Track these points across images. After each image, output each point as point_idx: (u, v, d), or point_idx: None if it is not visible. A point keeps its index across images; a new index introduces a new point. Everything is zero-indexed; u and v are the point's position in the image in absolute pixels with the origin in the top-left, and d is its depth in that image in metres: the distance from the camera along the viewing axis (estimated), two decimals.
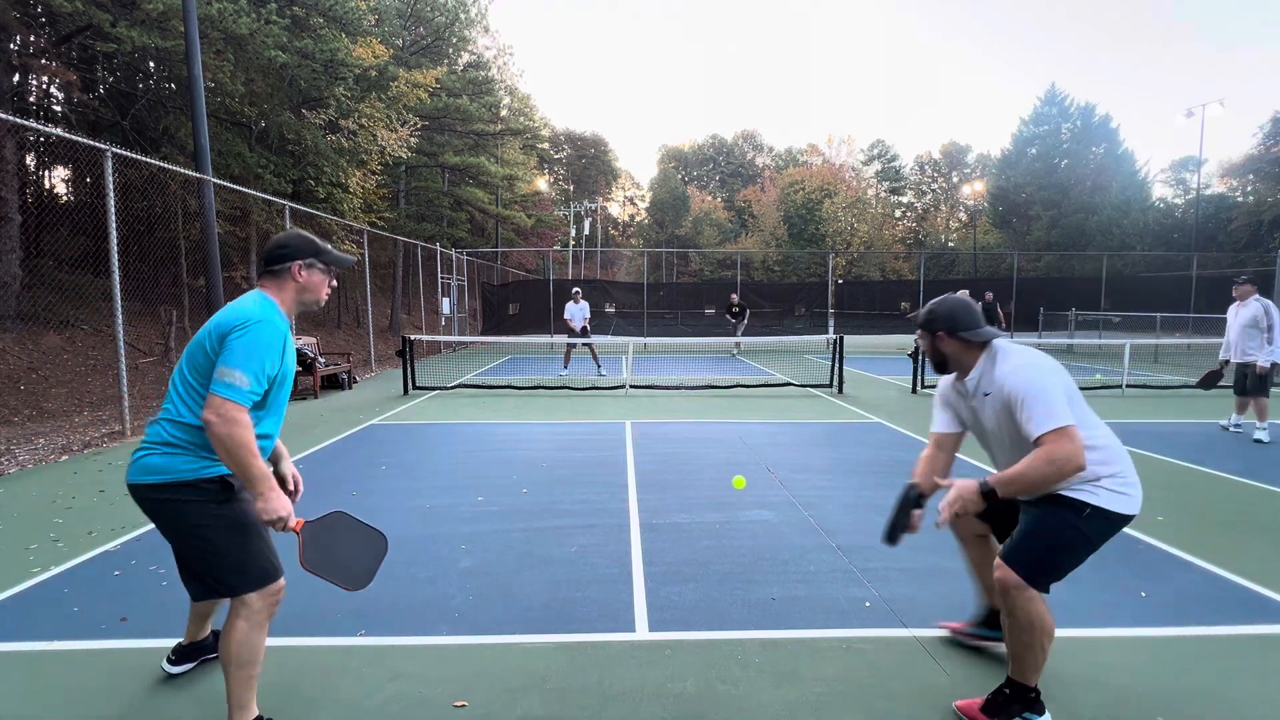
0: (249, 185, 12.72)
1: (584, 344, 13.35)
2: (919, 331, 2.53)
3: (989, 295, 17.15)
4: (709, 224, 57.90)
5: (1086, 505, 2.21)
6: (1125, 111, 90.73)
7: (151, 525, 4.29)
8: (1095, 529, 2.24)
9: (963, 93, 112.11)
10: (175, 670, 2.60)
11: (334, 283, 2.36)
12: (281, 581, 2.25)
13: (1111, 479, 2.23)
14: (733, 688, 2.53)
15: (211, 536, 2.10)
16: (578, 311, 13.36)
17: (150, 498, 2.08)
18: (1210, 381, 7.65)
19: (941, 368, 2.52)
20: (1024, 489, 2.20)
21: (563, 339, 14.32)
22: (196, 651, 2.64)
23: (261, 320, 2.05)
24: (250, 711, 2.18)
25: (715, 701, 2.45)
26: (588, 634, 2.93)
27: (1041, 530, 2.26)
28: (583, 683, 2.56)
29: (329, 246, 2.33)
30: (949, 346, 2.43)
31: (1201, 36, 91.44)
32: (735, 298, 17.77)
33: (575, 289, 13.86)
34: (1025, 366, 2.25)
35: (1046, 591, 2.25)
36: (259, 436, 2.07)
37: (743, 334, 17.28)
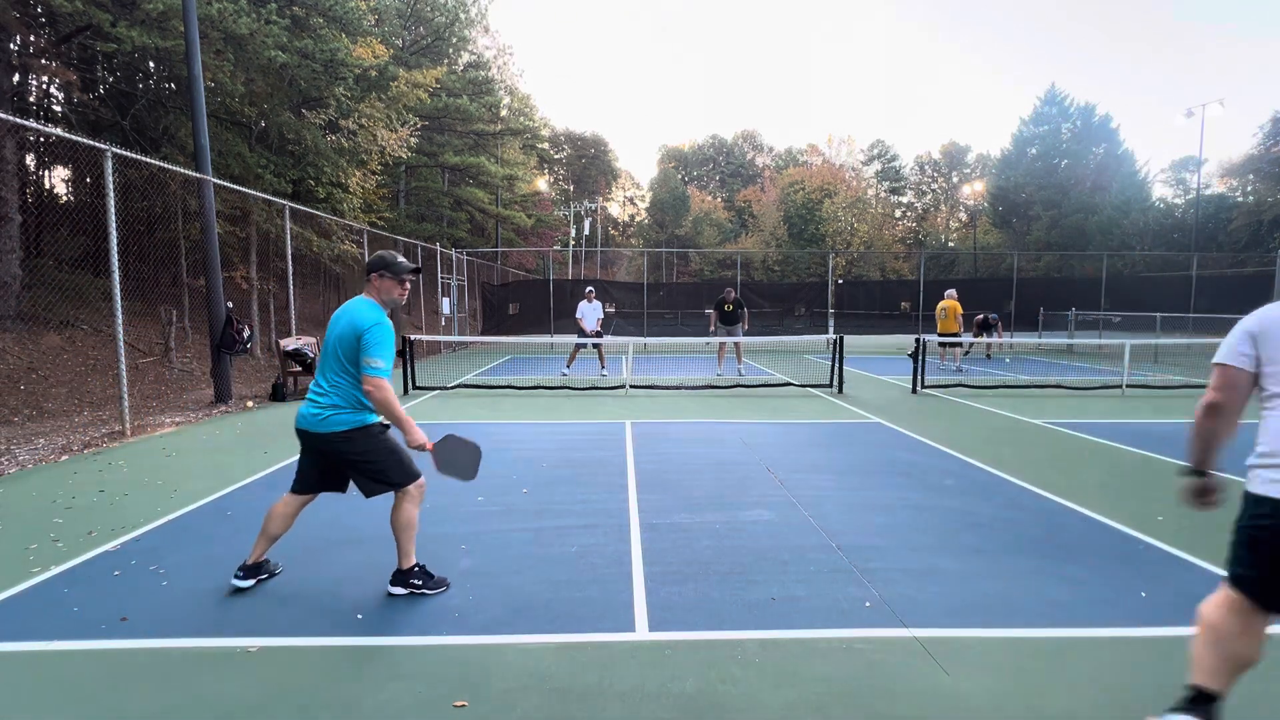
0: (249, 185, 12.72)
1: (593, 344, 13.17)
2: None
3: (987, 318, 16.74)
4: (709, 224, 57.90)
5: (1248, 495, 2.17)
6: (1125, 111, 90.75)
7: (151, 525, 4.32)
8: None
9: (963, 93, 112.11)
10: (244, 584, 3.34)
11: (408, 286, 3.30)
12: (423, 479, 3.34)
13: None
14: (733, 688, 2.53)
15: (380, 457, 3.23)
16: (590, 311, 13.14)
17: (337, 442, 3.18)
18: None
19: None
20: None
21: (564, 339, 14.22)
22: (259, 570, 3.41)
23: (378, 321, 3.12)
24: (411, 558, 3.31)
25: (715, 701, 2.45)
26: (588, 634, 2.93)
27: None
28: (583, 683, 2.56)
29: (399, 260, 3.26)
30: None
31: (1201, 36, 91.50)
32: (732, 294, 13.68)
33: (589, 288, 13.62)
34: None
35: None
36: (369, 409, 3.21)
37: (742, 335, 13.44)
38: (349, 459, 3.23)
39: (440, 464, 3.32)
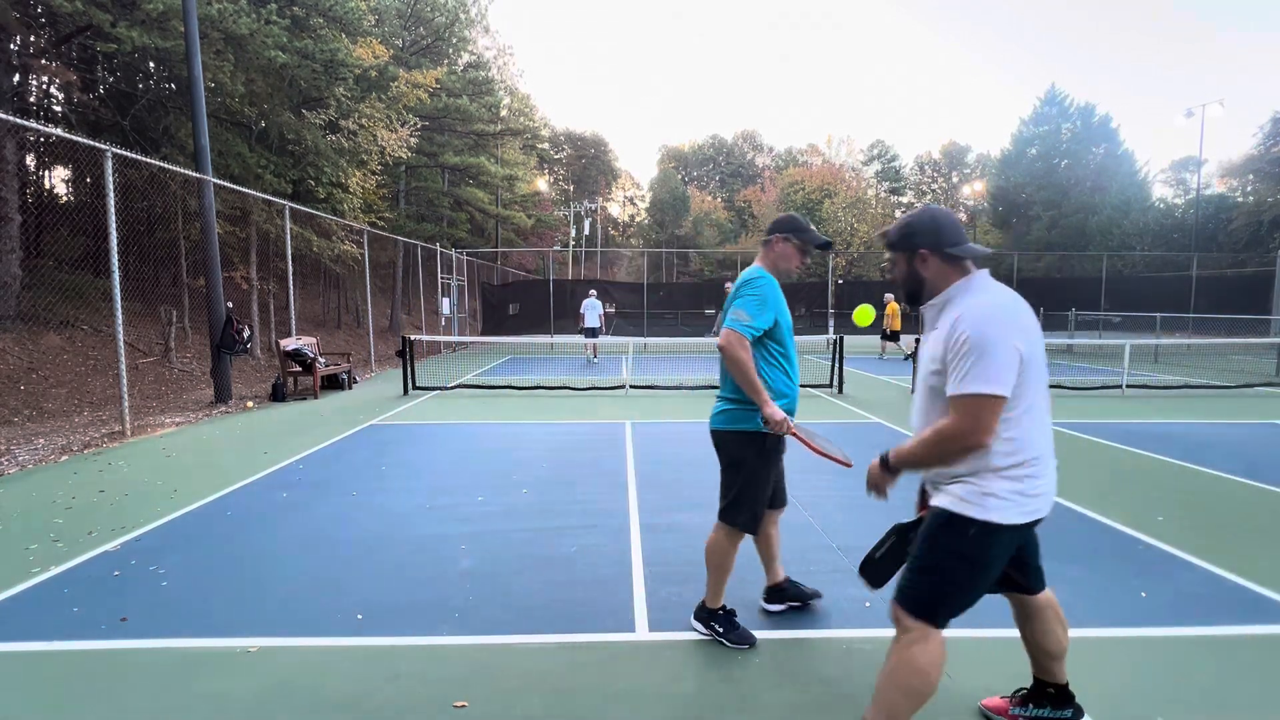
0: (249, 185, 12.72)
1: (589, 340, 15.11)
2: (891, 255, 2.08)
3: None
4: (709, 224, 57.87)
5: (972, 523, 1.88)
6: (1125, 111, 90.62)
7: (151, 525, 4.32)
8: (985, 547, 1.90)
9: (963, 93, 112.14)
10: (774, 608, 3.12)
11: (806, 260, 2.95)
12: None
13: (1010, 479, 1.88)
14: (733, 688, 2.53)
15: (739, 476, 2.84)
16: (591, 308, 15.18)
17: (715, 442, 2.89)
18: None
19: (916, 299, 2.05)
20: (917, 464, 1.93)
21: (564, 339, 16.19)
22: (780, 593, 3.13)
23: (759, 277, 2.75)
24: (719, 598, 2.91)
25: (715, 701, 2.45)
26: (588, 634, 2.93)
27: (922, 558, 1.97)
28: (583, 683, 2.56)
29: (810, 228, 2.88)
30: (931, 268, 1.98)
31: (1202, 36, 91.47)
32: (730, 289, 15.76)
33: (591, 289, 16.24)
34: (992, 307, 1.84)
35: (941, 626, 1.94)
36: (777, 395, 2.79)
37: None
38: (721, 461, 2.88)
39: (816, 443, 2.77)
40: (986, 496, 1.89)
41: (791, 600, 3.14)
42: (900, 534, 2.17)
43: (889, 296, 16.73)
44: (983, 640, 2.88)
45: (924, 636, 1.92)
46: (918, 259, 1.99)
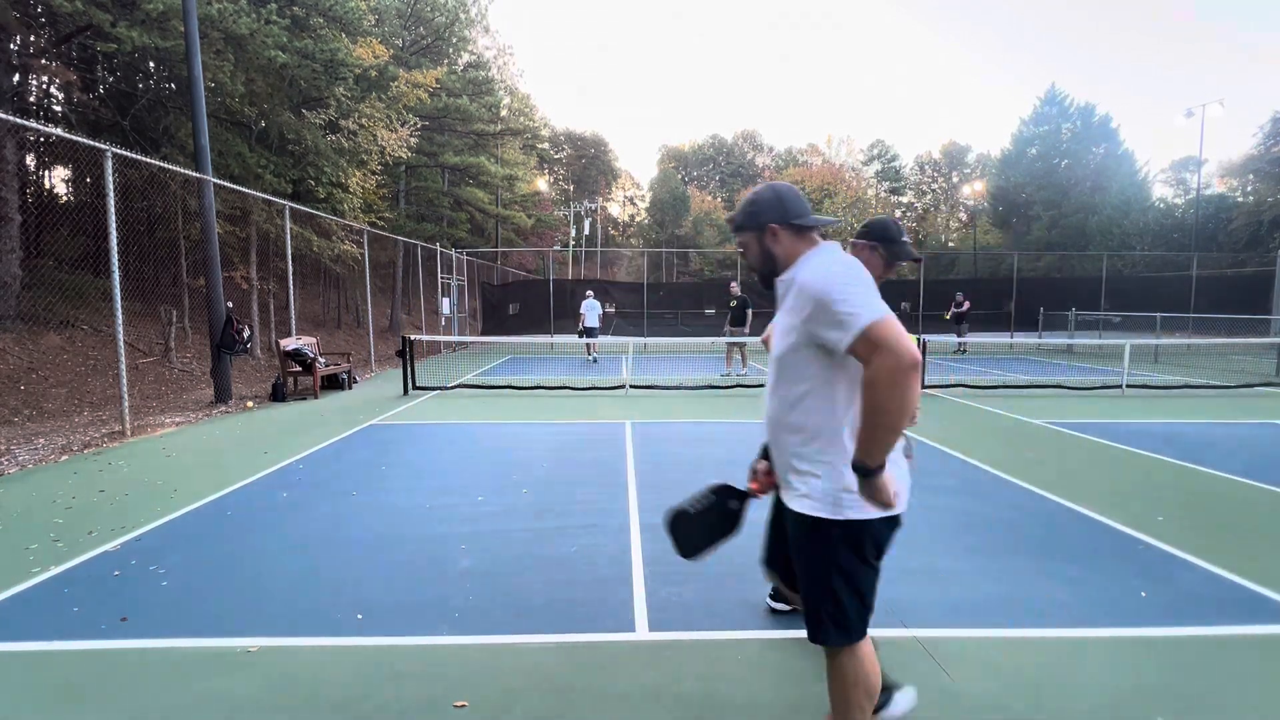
0: (249, 185, 12.72)
1: (587, 340, 15.66)
2: (740, 238, 1.96)
3: (959, 296, 18.52)
4: (709, 224, 57.86)
5: (834, 524, 1.77)
6: (1125, 111, 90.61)
7: (151, 525, 4.31)
8: (860, 543, 1.80)
9: (963, 93, 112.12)
10: (779, 608, 2.96)
11: (891, 274, 2.59)
12: None
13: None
14: (733, 688, 2.53)
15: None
16: (591, 308, 15.70)
17: None
18: None
19: (770, 277, 1.95)
20: (882, 442, 1.64)
21: (564, 338, 16.74)
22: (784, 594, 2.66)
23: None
24: None
25: (715, 701, 2.45)
26: (588, 634, 2.93)
27: (810, 582, 1.86)
28: (583, 683, 2.56)
29: (903, 241, 2.52)
30: (783, 243, 1.89)
31: (1202, 36, 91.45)
32: (735, 288, 13.51)
33: (589, 290, 17.06)
34: (840, 262, 1.77)
35: (860, 637, 1.88)
36: None
37: (742, 336, 12.90)
38: None
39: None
40: (844, 493, 1.78)
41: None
42: (720, 496, 2.02)
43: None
44: (984, 640, 2.88)
45: (852, 651, 1.90)
46: (768, 235, 1.89)
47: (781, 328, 1.87)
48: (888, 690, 2.21)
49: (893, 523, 1.85)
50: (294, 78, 13.50)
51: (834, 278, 1.72)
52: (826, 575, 1.83)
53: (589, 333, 15.69)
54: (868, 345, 1.61)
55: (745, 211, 1.94)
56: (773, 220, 1.88)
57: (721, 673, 2.63)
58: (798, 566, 1.91)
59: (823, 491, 1.80)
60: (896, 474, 1.80)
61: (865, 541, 1.81)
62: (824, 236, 1.96)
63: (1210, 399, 9.97)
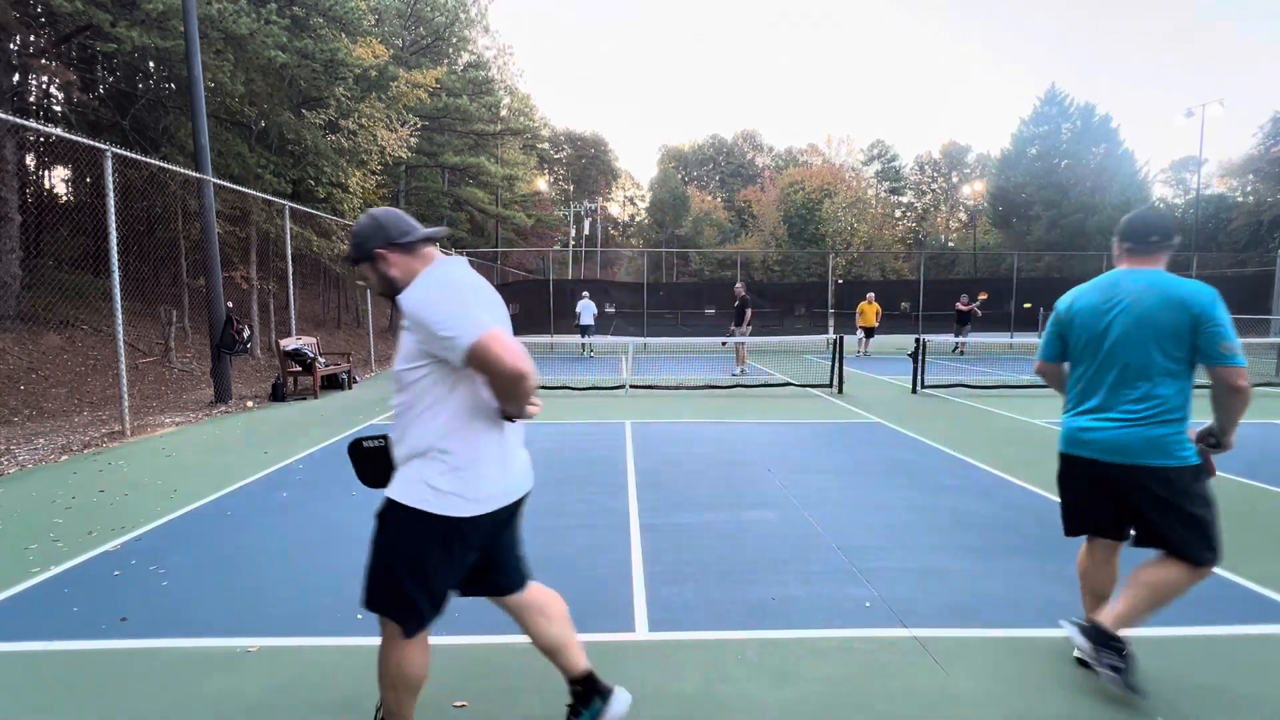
0: (249, 185, 12.72)
1: (584, 338, 16.84)
2: (357, 269, 2.01)
3: (964, 299, 18.54)
4: (709, 224, 57.87)
5: (400, 507, 1.85)
6: (1125, 111, 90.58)
7: (151, 525, 4.31)
8: (424, 534, 1.84)
9: (963, 93, 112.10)
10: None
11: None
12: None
13: (443, 465, 1.83)
14: (733, 688, 2.53)
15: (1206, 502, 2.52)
16: (586, 308, 16.74)
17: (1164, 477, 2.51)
18: None
19: (395, 296, 1.97)
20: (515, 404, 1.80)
21: (564, 338, 17.53)
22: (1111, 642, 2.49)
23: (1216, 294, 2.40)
24: None
25: (715, 701, 2.45)
26: (588, 634, 2.92)
27: (374, 554, 1.92)
28: None
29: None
30: (396, 263, 1.93)
31: (1202, 36, 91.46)
32: (740, 288, 13.58)
33: (584, 290, 17.72)
34: (434, 285, 1.82)
35: (412, 632, 1.89)
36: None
37: (747, 335, 13.38)
38: (1180, 503, 2.47)
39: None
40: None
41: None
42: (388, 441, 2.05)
43: (870, 295, 17.96)
44: (984, 640, 2.88)
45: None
46: (380, 261, 1.95)
47: (409, 343, 1.88)
48: (603, 694, 2.17)
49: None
50: (294, 78, 13.51)
51: (429, 304, 1.77)
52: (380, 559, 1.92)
53: (584, 331, 17.17)
54: (474, 361, 1.72)
55: (352, 245, 2.00)
56: (378, 245, 1.93)
57: (721, 673, 2.63)
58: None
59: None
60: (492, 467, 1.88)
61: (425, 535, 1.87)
62: (452, 246, 1.94)
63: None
